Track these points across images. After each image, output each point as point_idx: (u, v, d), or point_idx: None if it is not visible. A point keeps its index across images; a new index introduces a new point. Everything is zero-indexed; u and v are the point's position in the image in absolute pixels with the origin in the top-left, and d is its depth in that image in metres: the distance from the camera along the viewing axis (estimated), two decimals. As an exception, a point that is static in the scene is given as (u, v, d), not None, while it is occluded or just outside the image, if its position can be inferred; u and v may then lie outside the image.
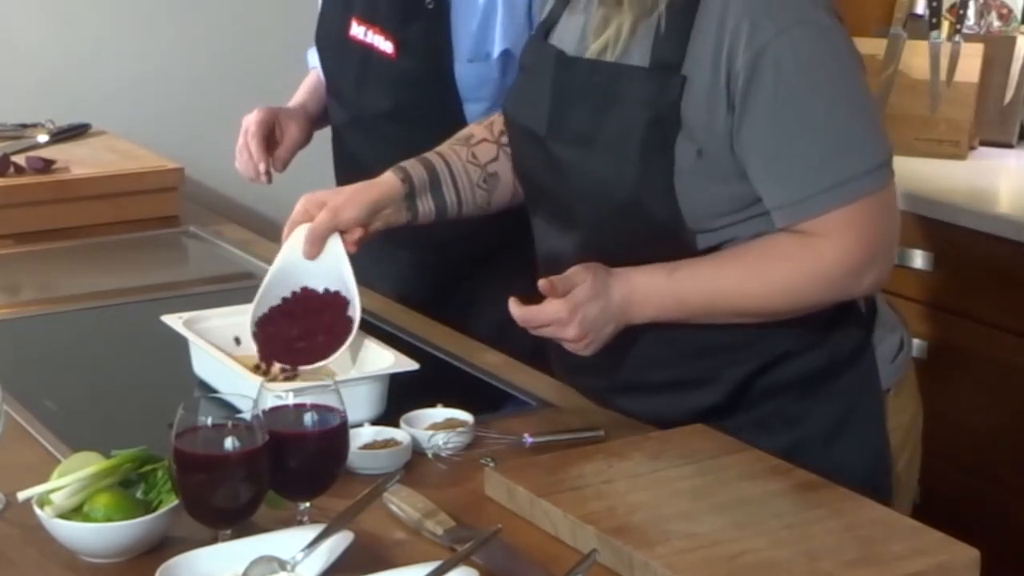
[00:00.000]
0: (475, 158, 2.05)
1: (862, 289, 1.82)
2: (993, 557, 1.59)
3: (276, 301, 1.92)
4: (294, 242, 1.93)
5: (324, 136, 2.58)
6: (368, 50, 2.39)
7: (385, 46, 2.36)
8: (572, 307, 1.77)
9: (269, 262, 2.01)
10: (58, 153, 2.94)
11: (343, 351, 1.87)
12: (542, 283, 1.77)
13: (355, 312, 1.90)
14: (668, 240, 1.81)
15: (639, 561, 1.47)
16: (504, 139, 2.05)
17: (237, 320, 1.96)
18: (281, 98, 2.61)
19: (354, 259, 2.44)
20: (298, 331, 1.90)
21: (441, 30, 2.32)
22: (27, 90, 3.33)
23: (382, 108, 2.38)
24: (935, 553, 1.50)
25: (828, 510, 1.58)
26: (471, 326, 2.23)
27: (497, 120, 2.08)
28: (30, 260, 2.65)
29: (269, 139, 2.44)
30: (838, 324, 1.87)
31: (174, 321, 1.97)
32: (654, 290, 1.80)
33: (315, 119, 2.57)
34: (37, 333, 2.26)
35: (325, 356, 1.87)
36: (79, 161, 2.92)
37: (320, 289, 1.93)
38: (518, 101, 2.00)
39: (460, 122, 2.24)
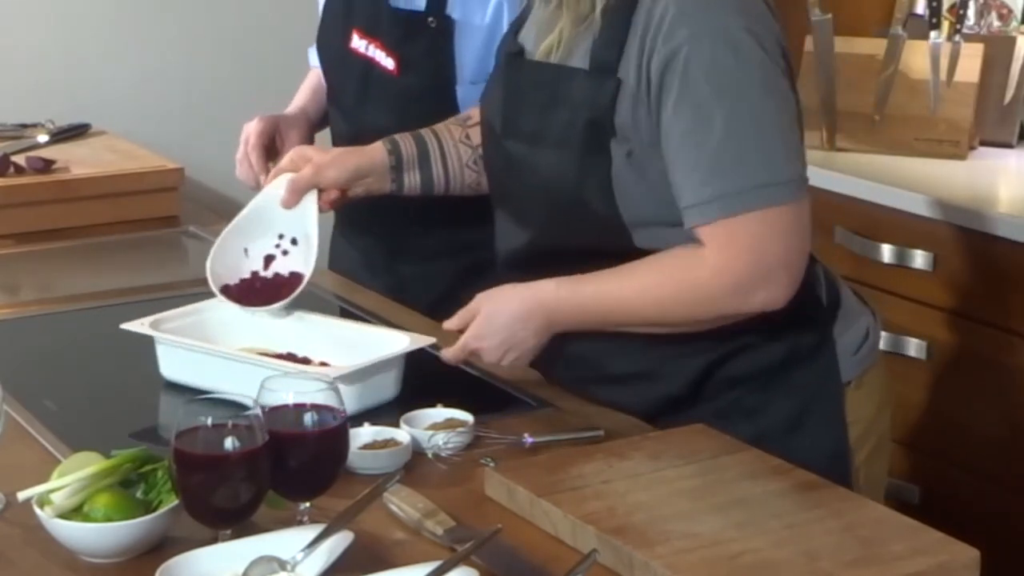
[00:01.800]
0: (468, 139, 2.09)
1: (750, 308, 1.80)
2: (993, 557, 1.59)
3: (242, 240, 2.04)
4: (274, 187, 2.04)
5: (325, 139, 2.57)
6: (369, 64, 2.37)
7: (387, 62, 2.35)
8: (477, 331, 1.87)
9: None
10: (58, 153, 2.94)
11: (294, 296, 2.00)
12: (447, 324, 1.90)
13: (309, 266, 2.02)
14: (610, 236, 1.84)
15: (639, 561, 1.47)
16: None
17: (198, 319, 2.01)
18: (281, 99, 2.61)
19: (350, 268, 2.47)
20: (261, 301, 2.02)
21: (443, 50, 2.31)
22: (27, 90, 3.32)
23: (383, 124, 2.36)
24: (935, 553, 1.50)
25: (828, 510, 1.58)
26: None
27: None
28: (30, 260, 2.64)
29: (270, 148, 2.43)
30: (798, 316, 1.89)
31: (137, 326, 1.96)
32: (559, 299, 1.85)
33: (316, 123, 2.56)
34: (37, 333, 2.25)
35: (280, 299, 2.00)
36: (79, 161, 2.92)
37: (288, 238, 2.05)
38: (485, 97, 2.04)
39: None
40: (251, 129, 2.41)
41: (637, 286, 1.83)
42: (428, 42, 2.31)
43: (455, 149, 2.07)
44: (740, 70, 1.76)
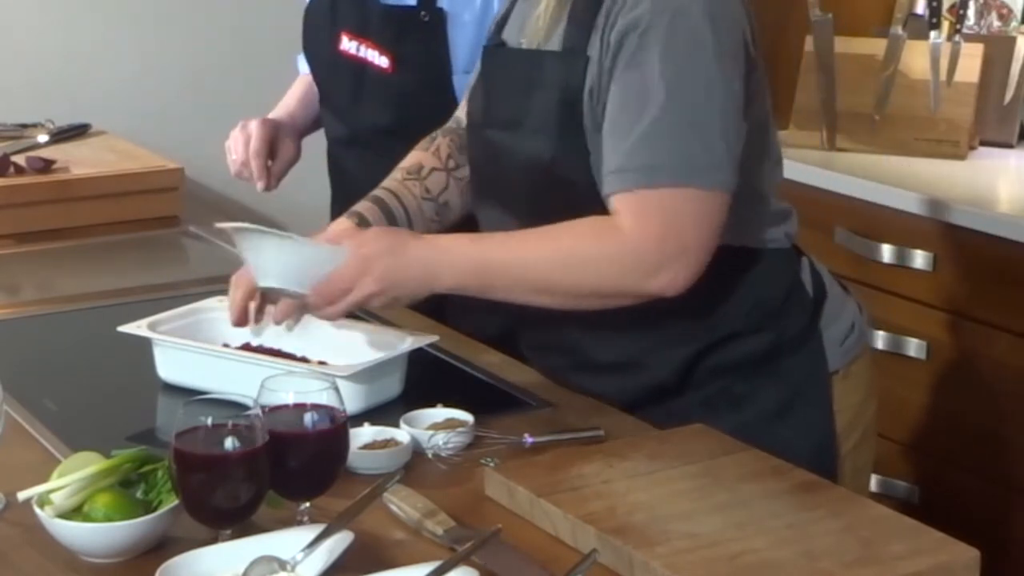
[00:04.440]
0: (428, 192, 2.05)
1: (654, 286, 1.75)
2: (993, 557, 1.59)
3: None
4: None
5: (320, 140, 2.57)
6: (362, 65, 2.37)
7: (380, 61, 2.35)
8: (363, 259, 1.75)
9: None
10: (58, 153, 2.94)
11: None
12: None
13: None
14: (597, 210, 1.81)
15: (639, 561, 1.47)
16: (451, 163, 2.07)
17: (195, 320, 2.00)
18: (281, 98, 2.61)
19: None
20: None
21: (438, 43, 2.31)
22: (27, 90, 3.33)
23: (380, 123, 2.36)
24: (935, 553, 1.50)
25: (828, 510, 1.58)
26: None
27: (443, 144, 2.08)
28: (30, 260, 2.65)
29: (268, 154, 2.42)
30: (785, 306, 1.90)
31: (134, 328, 1.96)
32: (458, 252, 1.79)
33: (303, 132, 2.55)
34: (37, 333, 2.25)
35: None
36: (79, 161, 2.92)
37: None
38: (470, 93, 2.06)
39: None
40: (252, 132, 2.39)
41: (538, 246, 1.79)
42: (422, 36, 2.31)
43: (419, 208, 2.03)
44: (691, 58, 1.75)
